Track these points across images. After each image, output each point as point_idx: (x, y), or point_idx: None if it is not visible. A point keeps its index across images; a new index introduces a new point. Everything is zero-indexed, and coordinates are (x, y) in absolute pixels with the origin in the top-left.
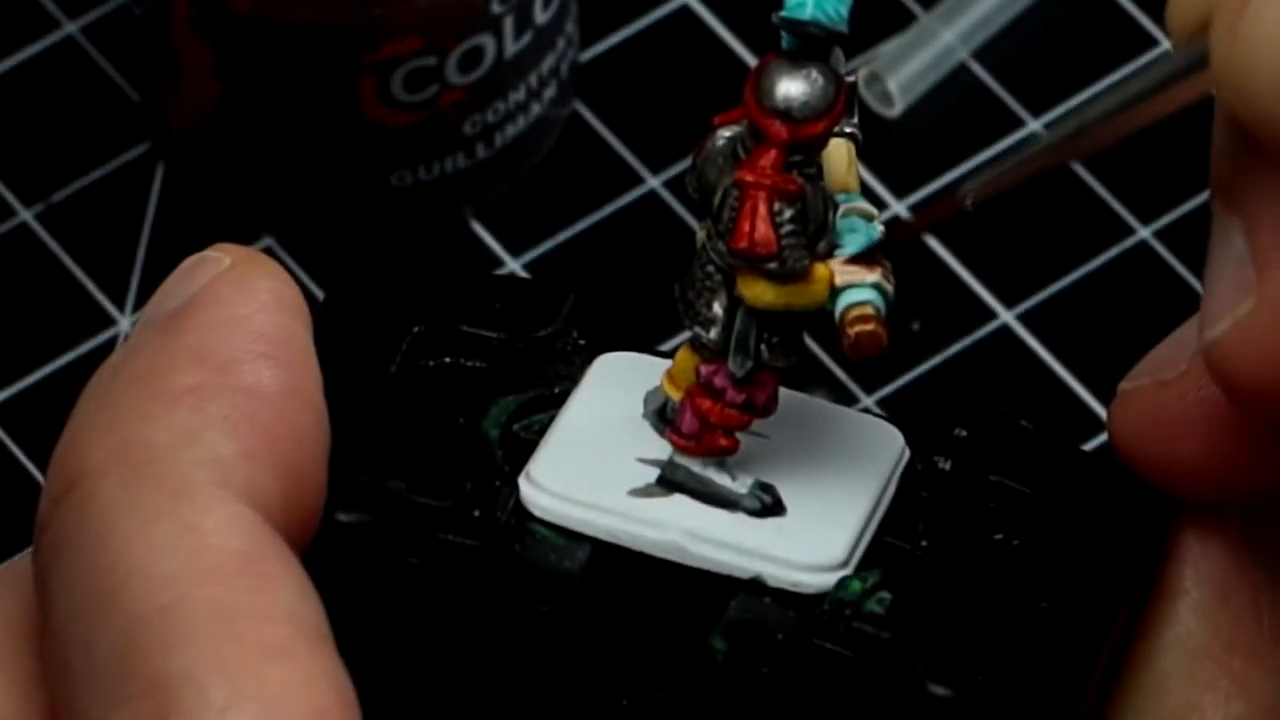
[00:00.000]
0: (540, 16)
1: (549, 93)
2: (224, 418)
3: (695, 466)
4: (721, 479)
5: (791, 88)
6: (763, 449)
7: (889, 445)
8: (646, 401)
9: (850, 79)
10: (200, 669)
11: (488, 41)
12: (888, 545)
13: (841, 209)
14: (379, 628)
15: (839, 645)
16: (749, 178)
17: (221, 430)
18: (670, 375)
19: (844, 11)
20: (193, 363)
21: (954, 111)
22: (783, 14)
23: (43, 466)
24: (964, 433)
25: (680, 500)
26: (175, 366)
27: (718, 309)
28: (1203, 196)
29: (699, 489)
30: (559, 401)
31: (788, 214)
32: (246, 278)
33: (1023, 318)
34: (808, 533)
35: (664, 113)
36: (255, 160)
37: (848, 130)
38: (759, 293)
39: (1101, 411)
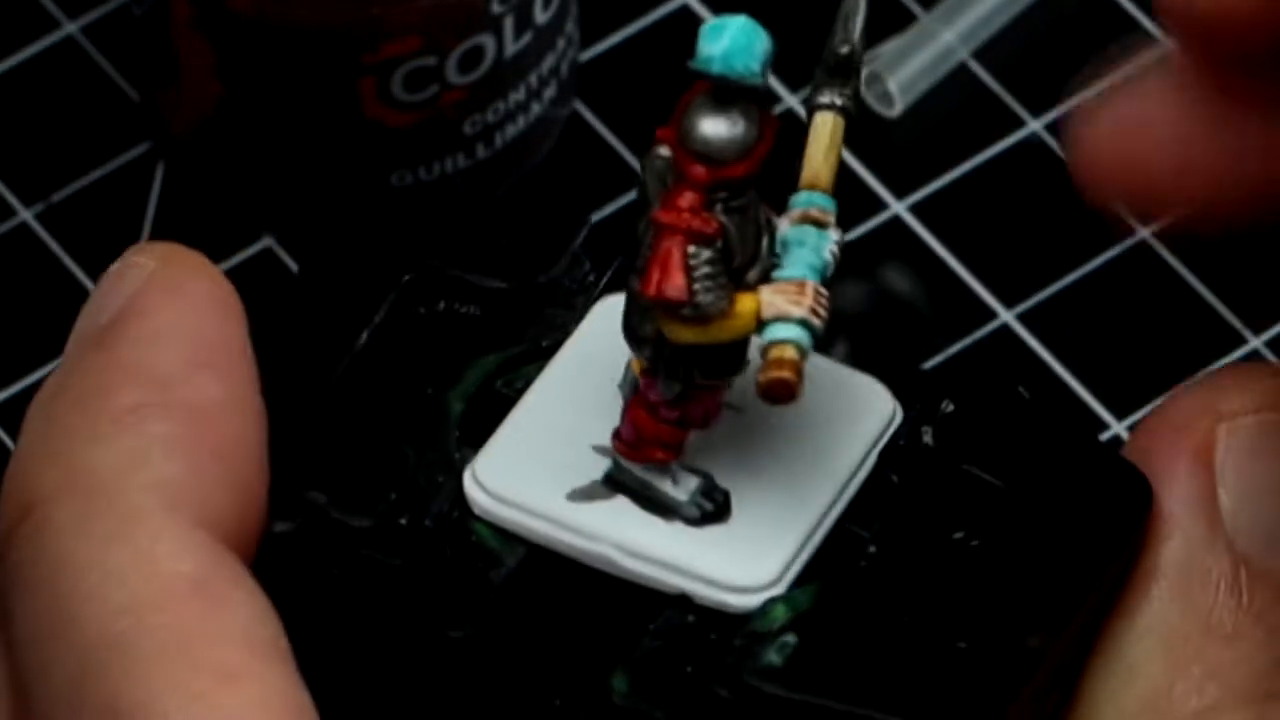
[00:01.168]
0: (540, 16)
1: (549, 93)
2: (167, 436)
3: (638, 470)
4: (663, 484)
5: (710, 130)
6: (728, 429)
7: (874, 414)
8: (627, 369)
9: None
10: (155, 695)
11: (488, 41)
12: (844, 537)
13: (797, 212)
14: (313, 637)
15: (735, 694)
16: (664, 219)
17: (166, 450)
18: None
19: (755, 67)
20: (131, 381)
21: (954, 111)
22: (691, 64)
23: None
24: (951, 407)
25: (620, 505)
26: (114, 385)
27: (649, 329)
28: None
29: (641, 492)
30: (548, 355)
31: (704, 255)
32: (175, 281)
33: (1023, 318)
34: (743, 545)
35: (664, 113)
36: (255, 160)
37: (838, 103)
38: (676, 333)
39: (1102, 411)
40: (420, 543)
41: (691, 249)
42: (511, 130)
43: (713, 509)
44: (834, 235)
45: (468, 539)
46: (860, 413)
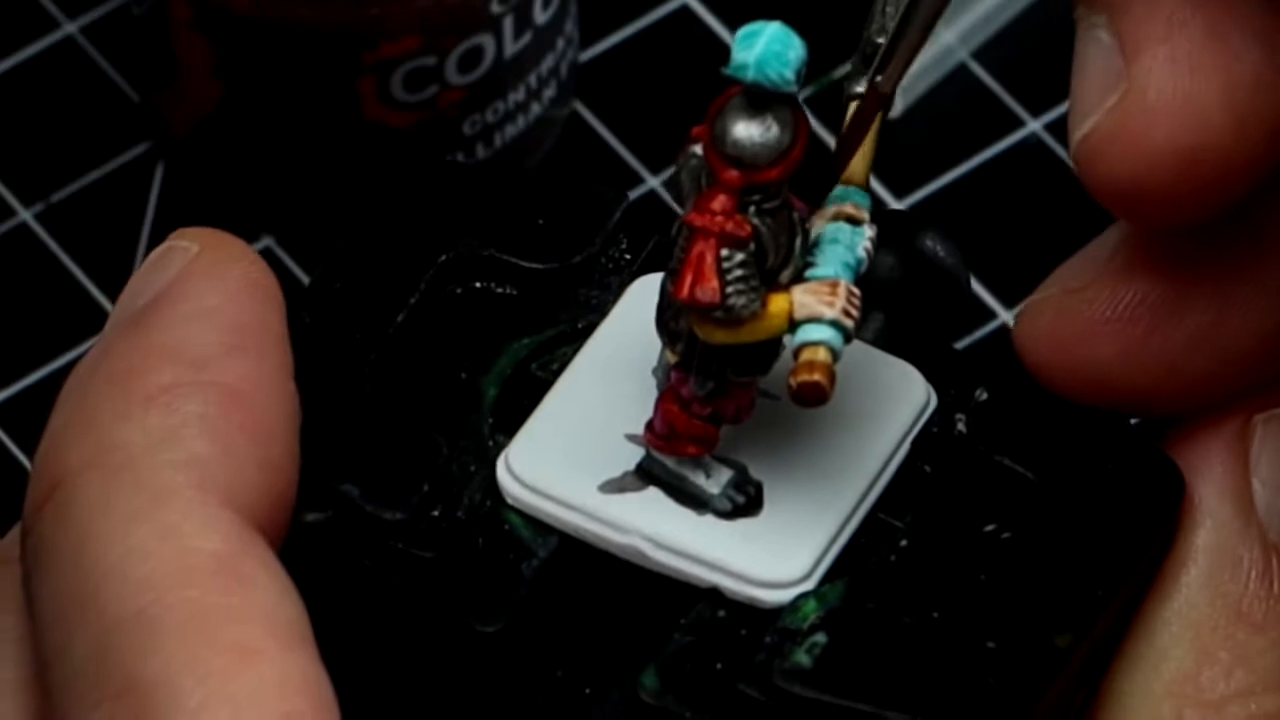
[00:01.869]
0: (540, 16)
1: (549, 93)
2: (200, 416)
3: (670, 462)
4: (696, 476)
5: (743, 134)
6: (764, 418)
7: (908, 402)
8: (661, 355)
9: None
10: (174, 671)
11: (487, 41)
12: (877, 528)
13: (831, 210)
14: (343, 628)
15: (764, 695)
16: (697, 222)
17: (199, 429)
18: None
19: (788, 75)
20: (166, 360)
21: (954, 111)
22: (725, 69)
23: None
24: (985, 395)
25: (653, 496)
26: (149, 365)
27: (684, 324)
28: None
29: (673, 484)
30: (583, 337)
31: (737, 258)
32: (215, 265)
33: None
34: (774, 539)
35: (664, 113)
36: (255, 160)
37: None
38: (708, 333)
39: None
40: (452, 535)
41: (724, 252)
42: (511, 130)
43: (745, 502)
44: (868, 231)
45: (500, 529)
46: (894, 400)
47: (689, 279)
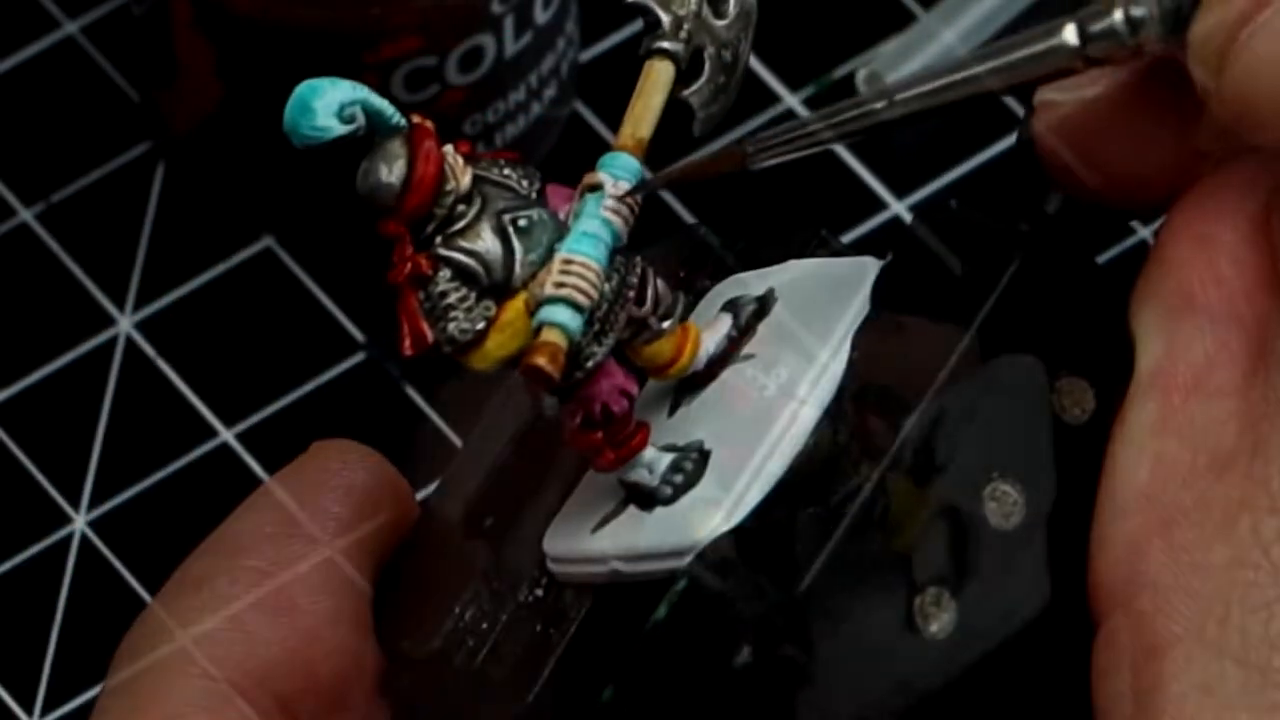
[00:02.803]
0: (540, 16)
1: (549, 93)
2: (223, 597)
3: (625, 475)
4: (640, 476)
5: (364, 186)
6: (730, 381)
7: (850, 304)
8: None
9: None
10: None
11: (488, 41)
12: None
13: (581, 185)
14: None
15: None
16: (388, 280)
17: (215, 609)
18: None
19: (320, 123)
20: (212, 551)
21: (954, 111)
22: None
23: (43, 466)
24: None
25: (627, 516)
26: (199, 555)
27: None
28: None
29: (634, 495)
30: None
31: (437, 292)
32: (297, 466)
33: None
34: (688, 506)
35: (664, 112)
36: (255, 160)
37: (667, 47)
38: (476, 363)
39: None
40: (520, 625)
41: (420, 295)
42: (512, 130)
43: (683, 480)
44: (609, 189)
45: (559, 606)
46: (837, 303)
47: (403, 335)
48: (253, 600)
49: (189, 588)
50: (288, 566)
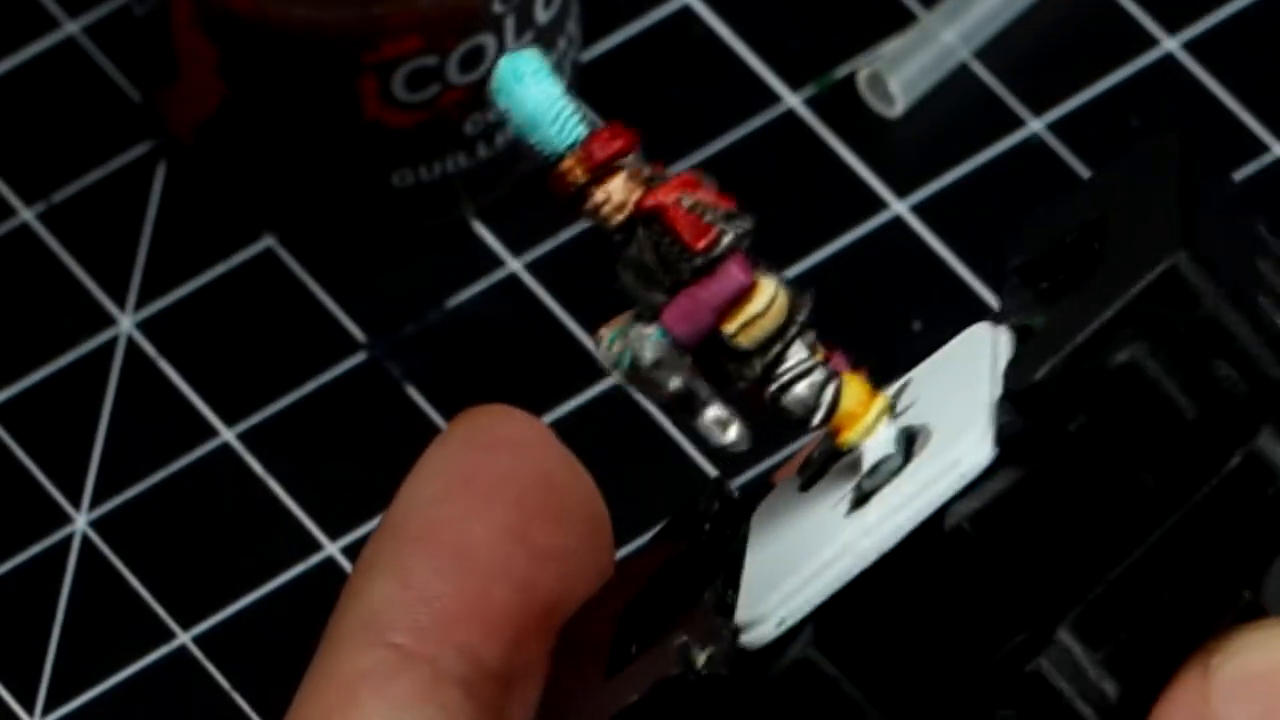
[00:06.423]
0: (541, 16)
1: None
2: (392, 565)
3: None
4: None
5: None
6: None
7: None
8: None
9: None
10: None
11: (488, 41)
12: None
13: None
14: None
15: None
16: (649, 203)
17: (384, 575)
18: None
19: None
20: (385, 522)
21: (955, 111)
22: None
23: (43, 466)
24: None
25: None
26: (378, 529)
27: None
28: None
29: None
30: None
31: (695, 199)
32: (453, 432)
33: None
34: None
35: (665, 113)
36: (256, 160)
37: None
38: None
39: None
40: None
41: (685, 201)
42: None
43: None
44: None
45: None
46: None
47: (690, 235)
48: (419, 561)
49: (360, 570)
50: (447, 527)
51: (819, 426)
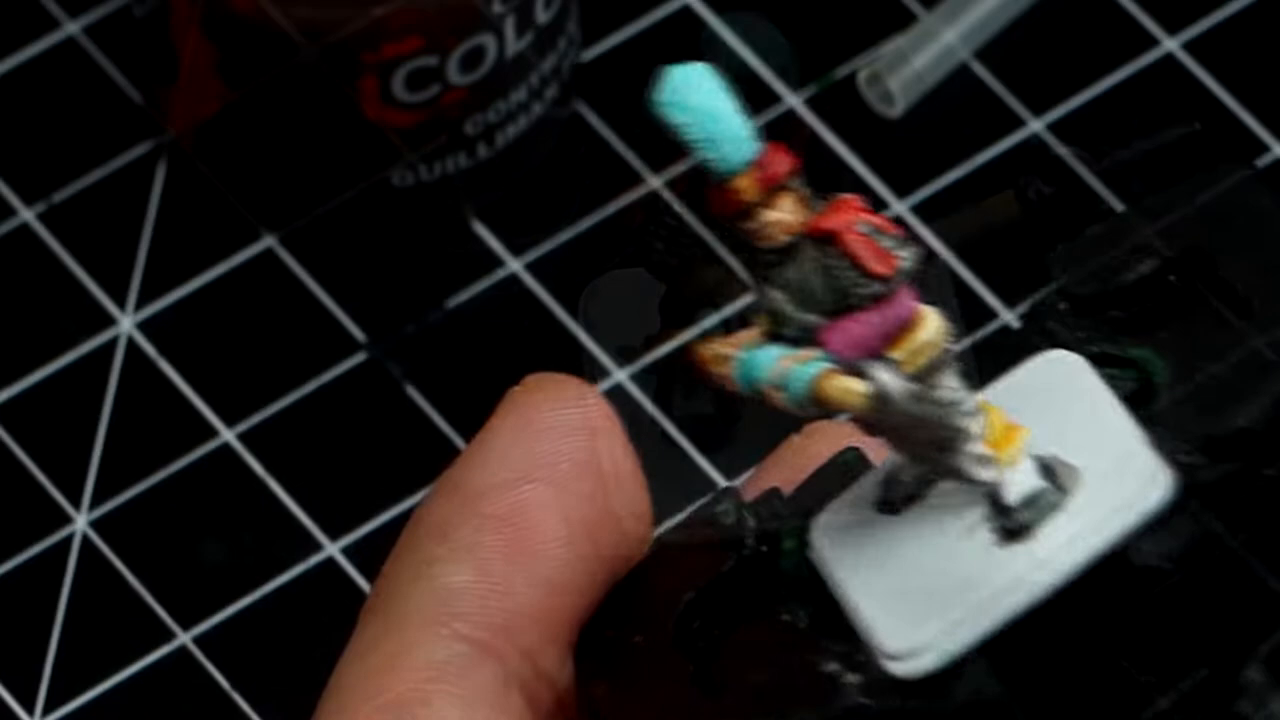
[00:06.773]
0: (541, 16)
1: (550, 93)
2: (466, 546)
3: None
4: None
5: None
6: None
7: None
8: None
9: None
10: None
11: (489, 41)
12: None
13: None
14: None
15: None
16: (828, 224)
17: (457, 558)
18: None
19: (731, 151)
20: (446, 496)
21: (955, 111)
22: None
23: (43, 466)
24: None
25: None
26: (435, 503)
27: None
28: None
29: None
30: None
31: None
32: (519, 408)
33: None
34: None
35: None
36: (256, 160)
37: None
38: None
39: None
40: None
41: (862, 228)
42: (513, 130)
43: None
44: None
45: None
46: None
47: (870, 261)
48: (499, 550)
49: (431, 535)
50: (527, 514)
51: (976, 457)
